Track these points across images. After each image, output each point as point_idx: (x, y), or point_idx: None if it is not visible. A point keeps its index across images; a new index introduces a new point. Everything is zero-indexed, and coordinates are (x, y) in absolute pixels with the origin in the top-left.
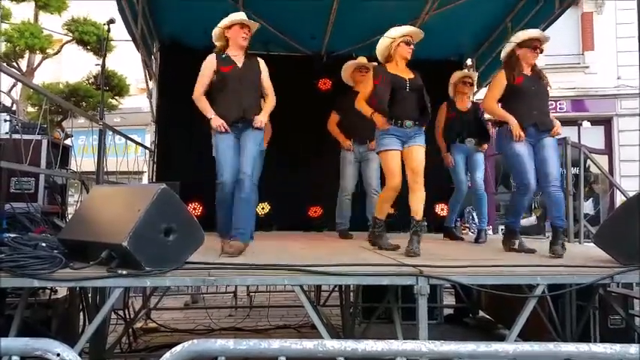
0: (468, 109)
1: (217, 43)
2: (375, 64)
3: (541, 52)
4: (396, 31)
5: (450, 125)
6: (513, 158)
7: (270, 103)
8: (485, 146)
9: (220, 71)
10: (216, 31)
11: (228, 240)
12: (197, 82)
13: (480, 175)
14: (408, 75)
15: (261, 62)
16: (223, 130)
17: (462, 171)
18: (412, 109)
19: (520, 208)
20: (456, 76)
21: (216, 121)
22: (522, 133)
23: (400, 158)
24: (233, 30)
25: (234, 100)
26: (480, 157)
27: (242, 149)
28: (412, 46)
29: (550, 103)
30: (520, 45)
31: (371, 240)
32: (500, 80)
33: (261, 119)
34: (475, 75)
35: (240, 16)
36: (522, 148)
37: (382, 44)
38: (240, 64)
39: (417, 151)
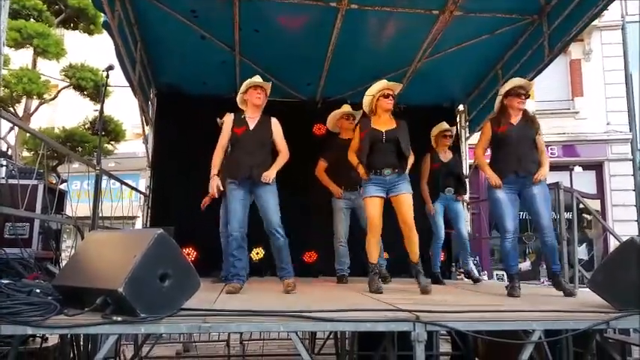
0: (449, 160)
1: (242, 107)
2: (361, 111)
3: (527, 98)
4: (373, 89)
5: (433, 175)
6: (493, 203)
7: (281, 158)
8: (464, 196)
9: (233, 132)
10: (238, 98)
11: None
12: (219, 139)
13: (462, 226)
14: (387, 126)
15: (274, 122)
16: (214, 195)
17: (440, 217)
18: (389, 157)
19: (505, 253)
20: (436, 130)
21: (213, 183)
22: (499, 181)
23: (381, 204)
24: (249, 93)
25: (244, 159)
26: (459, 207)
27: (265, 205)
28: (391, 98)
29: None
30: (506, 94)
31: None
32: (486, 130)
33: (269, 175)
34: (454, 128)
35: (252, 79)
36: (502, 195)
37: (365, 101)
38: (252, 125)
39: (404, 200)
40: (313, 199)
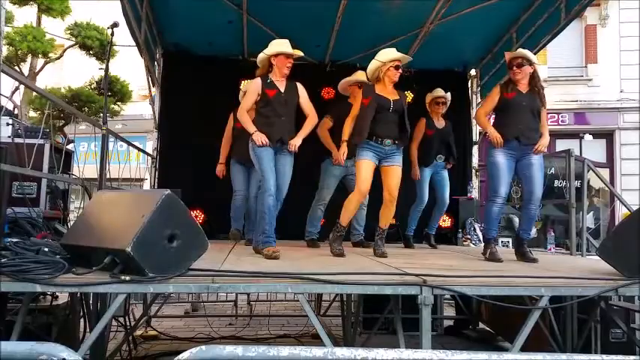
0: (442, 128)
1: (260, 65)
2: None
3: (519, 67)
4: (385, 56)
5: (428, 142)
6: (491, 166)
7: (309, 123)
8: (450, 165)
9: (265, 93)
10: (262, 57)
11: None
12: (243, 101)
13: (446, 192)
14: (393, 96)
15: (299, 86)
16: (264, 144)
17: (426, 184)
18: (392, 129)
19: (490, 216)
20: (429, 96)
21: (259, 136)
22: (500, 138)
23: (373, 170)
24: (279, 59)
25: (276, 123)
26: (446, 174)
27: (281, 173)
28: (400, 70)
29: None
30: (507, 67)
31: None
32: (494, 94)
33: (295, 143)
34: (448, 95)
35: (287, 47)
36: (502, 159)
37: (372, 66)
38: (282, 89)
39: (395, 172)
40: (320, 164)
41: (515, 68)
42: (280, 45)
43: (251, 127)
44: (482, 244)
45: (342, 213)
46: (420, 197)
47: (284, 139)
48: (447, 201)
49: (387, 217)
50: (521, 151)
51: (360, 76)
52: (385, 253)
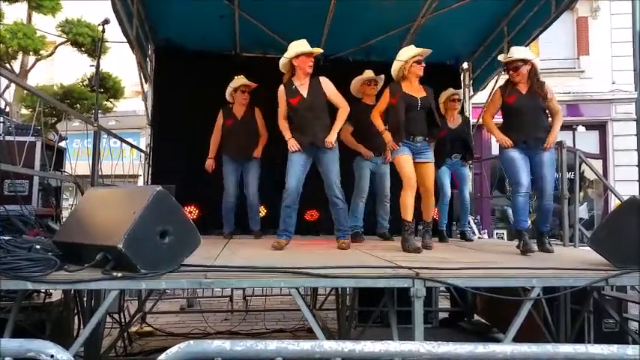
0: (456, 127)
1: (284, 71)
2: (382, 76)
3: (515, 70)
4: (406, 54)
5: (441, 142)
6: (507, 162)
7: (341, 115)
8: (469, 162)
9: (289, 103)
10: (283, 61)
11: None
12: (279, 110)
13: (465, 189)
14: (420, 94)
15: (323, 81)
16: (296, 149)
17: (447, 178)
18: (422, 125)
19: (518, 208)
20: (444, 95)
21: (291, 142)
22: (509, 141)
23: (413, 163)
24: (300, 59)
25: (305, 127)
26: (465, 172)
27: (327, 173)
28: (423, 64)
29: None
30: (504, 70)
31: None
32: (496, 98)
33: (331, 140)
34: (460, 91)
35: (305, 46)
36: (515, 154)
37: (396, 66)
38: (305, 94)
39: (429, 168)
40: (352, 164)
41: (512, 72)
42: (299, 46)
43: (287, 134)
44: (477, 237)
45: (404, 211)
46: (443, 192)
47: (315, 141)
48: (467, 197)
49: (428, 210)
50: (531, 150)
51: (367, 74)
52: (430, 244)
